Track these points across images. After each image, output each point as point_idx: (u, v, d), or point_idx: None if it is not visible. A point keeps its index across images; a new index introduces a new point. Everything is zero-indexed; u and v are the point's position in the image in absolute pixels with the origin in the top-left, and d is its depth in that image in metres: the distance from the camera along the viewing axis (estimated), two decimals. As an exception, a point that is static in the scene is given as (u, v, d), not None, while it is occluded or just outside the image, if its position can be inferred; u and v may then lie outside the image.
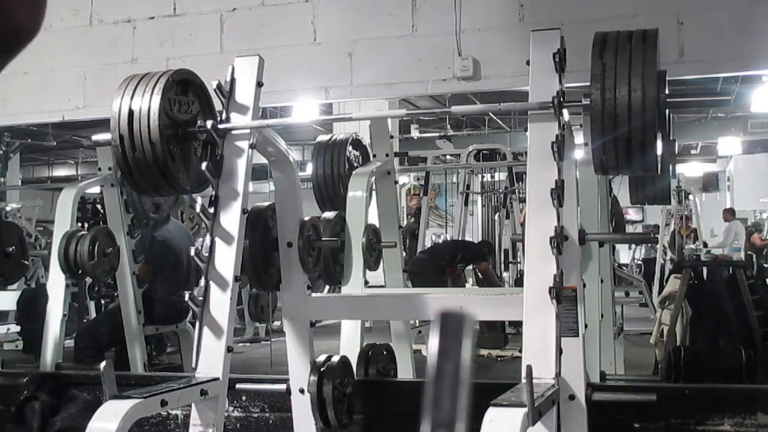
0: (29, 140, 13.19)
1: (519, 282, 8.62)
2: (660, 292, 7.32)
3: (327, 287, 6.77)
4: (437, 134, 15.05)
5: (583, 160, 3.49)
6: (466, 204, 9.60)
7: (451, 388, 0.66)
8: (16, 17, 0.77)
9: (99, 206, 8.48)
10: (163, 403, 2.45)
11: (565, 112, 2.69)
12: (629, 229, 17.65)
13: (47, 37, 5.14)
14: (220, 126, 2.91)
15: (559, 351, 2.41)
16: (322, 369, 3.17)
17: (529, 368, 2.03)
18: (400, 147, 11.69)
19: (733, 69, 4.69)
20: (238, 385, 3.47)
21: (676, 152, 10.07)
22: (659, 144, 2.61)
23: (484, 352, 7.67)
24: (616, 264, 9.35)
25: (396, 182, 5.13)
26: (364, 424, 3.74)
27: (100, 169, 5.50)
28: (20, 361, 6.55)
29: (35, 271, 8.38)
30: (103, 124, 4.02)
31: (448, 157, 13.79)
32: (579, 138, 3.98)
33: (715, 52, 4.12)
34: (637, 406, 3.43)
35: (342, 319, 4.46)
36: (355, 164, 4.75)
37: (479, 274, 8.82)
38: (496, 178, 10.75)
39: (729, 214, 15.15)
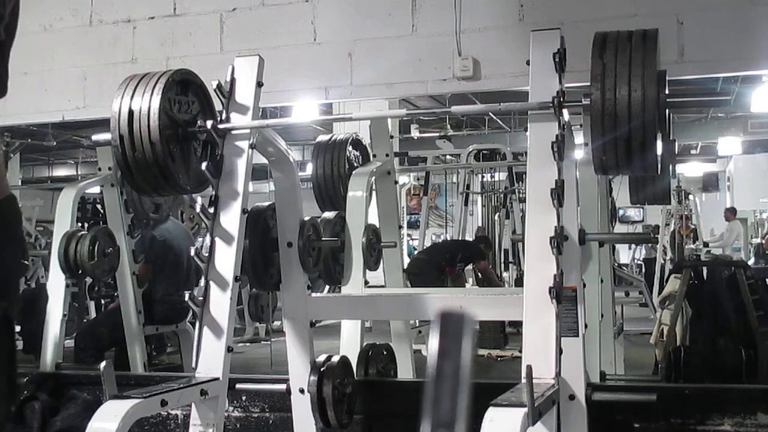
0: (29, 140, 13.20)
1: (519, 282, 8.61)
2: (660, 292, 7.31)
3: (327, 287, 6.77)
4: (437, 134, 15.05)
5: (583, 160, 3.49)
6: (466, 204, 9.60)
7: (451, 388, 0.66)
8: None
9: (99, 206, 8.49)
10: (163, 403, 2.45)
11: (565, 112, 2.68)
12: (629, 229, 17.69)
13: (47, 37, 5.14)
14: (220, 126, 2.91)
15: (559, 351, 2.41)
16: (322, 369, 3.17)
17: (529, 368, 2.03)
18: (400, 147, 11.69)
19: (733, 69, 4.69)
20: (238, 385, 3.47)
21: (676, 152, 10.06)
22: (659, 144, 2.61)
23: (484, 352, 7.67)
24: (616, 264, 9.35)
25: (396, 182, 5.12)
26: (364, 424, 3.74)
27: (100, 169, 5.50)
28: (20, 361, 6.54)
29: (35, 271, 8.39)
30: (103, 124, 4.02)
31: (448, 157, 13.80)
32: (579, 138, 3.98)
33: (715, 52, 4.12)
34: (637, 406, 3.43)
35: (342, 319, 4.46)
36: (355, 164, 4.74)
37: (479, 273, 8.81)
38: (496, 178, 10.76)
39: (730, 213, 15.14)
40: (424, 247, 9.66)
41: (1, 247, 1.39)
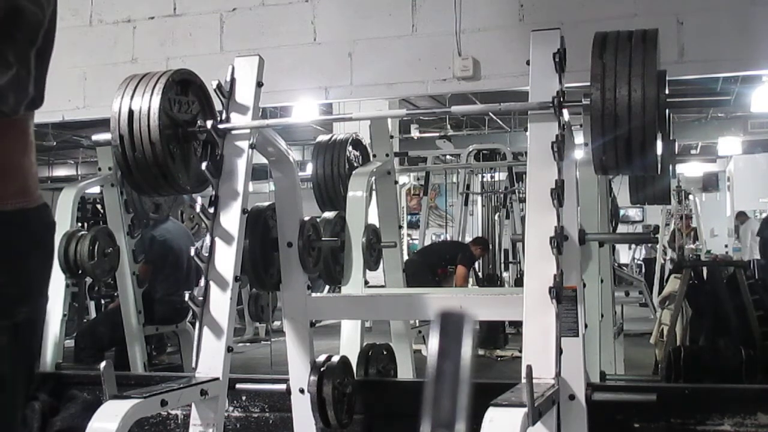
0: (29, 140, 13.17)
1: (519, 282, 8.61)
2: (660, 292, 7.32)
3: (327, 287, 6.77)
4: (437, 134, 15.04)
5: (583, 160, 3.49)
6: (466, 204, 9.60)
7: (451, 388, 0.67)
8: None
9: (99, 206, 8.49)
10: (163, 403, 2.45)
11: (565, 112, 2.68)
12: (629, 229, 17.69)
13: (47, 37, 5.13)
14: (220, 126, 2.91)
15: (559, 351, 2.41)
16: (322, 369, 3.17)
17: (529, 368, 2.03)
18: (400, 147, 11.68)
19: (733, 69, 4.69)
20: (238, 385, 3.47)
21: (676, 152, 10.07)
22: (659, 144, 2.61)
23: (484, 352, 7.67)
24: (616, 264, 9.35)
25: (396, 182, 5.12)
26: (364, 424, 3.74)
27: (100, 169, 5.50)
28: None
29: (35, 271, 8.36)
30: (103, 124, 4.02)
31: (448, 157, 13.78)
32: (579, 138, 3.98)
33: (715, 52, 4.12)
34: (637, 406, 3.43)
35: (342, 319, 4.46)
36: (355, 164, 4.74)
37: (478, 273, 8.78)
38: (496, 178, 10.75)
39: (744, 215, 14.75)
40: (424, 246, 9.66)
41: (25, 255, 1.41)
